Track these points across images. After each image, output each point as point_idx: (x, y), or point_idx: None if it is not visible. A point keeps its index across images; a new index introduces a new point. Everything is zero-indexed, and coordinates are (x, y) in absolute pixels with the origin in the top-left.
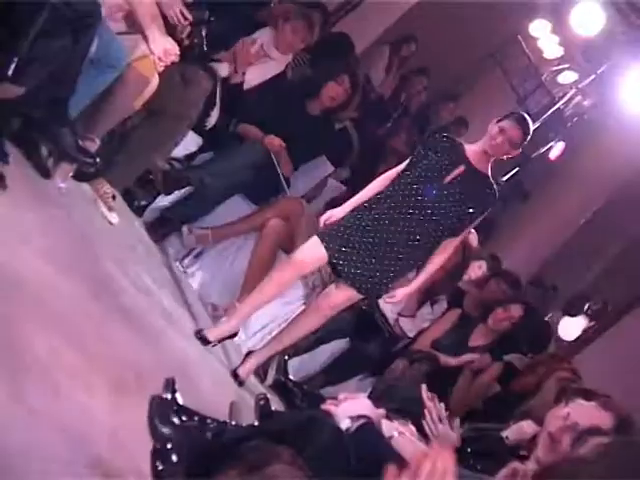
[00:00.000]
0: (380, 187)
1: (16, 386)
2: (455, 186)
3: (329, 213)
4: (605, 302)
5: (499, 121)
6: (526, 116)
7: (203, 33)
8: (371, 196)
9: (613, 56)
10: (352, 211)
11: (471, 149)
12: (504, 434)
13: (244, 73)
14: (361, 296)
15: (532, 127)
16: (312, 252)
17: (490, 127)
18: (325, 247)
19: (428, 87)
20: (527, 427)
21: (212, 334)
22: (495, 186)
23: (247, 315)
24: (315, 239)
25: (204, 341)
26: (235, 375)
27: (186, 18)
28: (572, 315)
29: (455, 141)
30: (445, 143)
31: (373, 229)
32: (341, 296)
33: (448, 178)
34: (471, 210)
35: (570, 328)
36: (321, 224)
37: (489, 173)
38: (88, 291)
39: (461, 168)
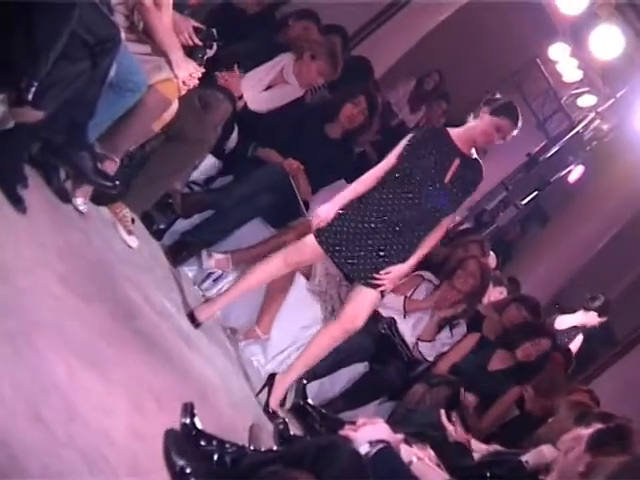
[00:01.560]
0: (368, 188)
1: (35, 409)
2: (455, 182)
3: (319, 214)
4: (606, 297)
5: (493, 113)
6: (517, 107)
7: (205, 57)
8: (361, 196)
9: (632, 79)
10: (343, 212)
11: (459, 137)
12: (524, 458)
13: (241, 97)
14: (372, 292)
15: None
16: (304, 244)
17: (483, 118)
18: (319, 242)
19: (447, 111)
20: (547, 451)
21: (202, 314)
22: (480, 162)
23: (234, 296)
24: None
25: (193, 320)
26: (266, 408)
27: (195, 42)
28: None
29: (442, 133)
30: (435, 139)
31: (368, 233)
32: (355, 301)
33: (447, 177)
34: (468, 193)
35: (566, 320)
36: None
37: (475, 155)
38: (107, 314)
39: (456, 162)
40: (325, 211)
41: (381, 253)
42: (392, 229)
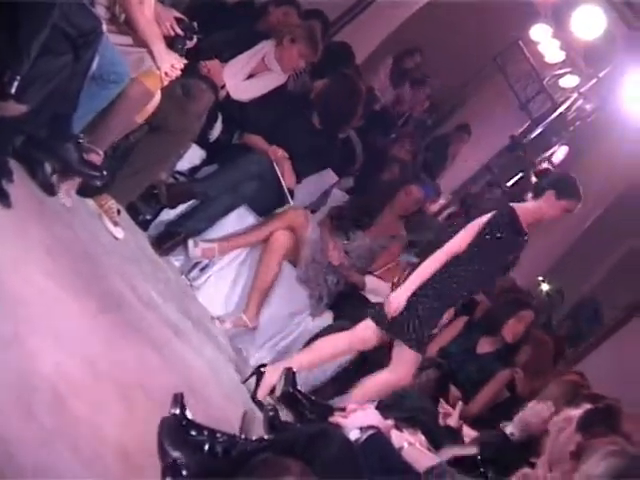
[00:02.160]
0: (434, 271)
1: (25, 405)
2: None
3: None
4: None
5: (561, 197)
6: (576, 180)
7: (186, 47)
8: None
9: (614, 59)
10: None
11: (525, 218)
12: (508, 431)
13: (223, 87)
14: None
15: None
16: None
17: (550, 201)
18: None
19: (431, 95)
20: (527, 414)
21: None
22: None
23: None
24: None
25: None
26: (254, 398)
27: (176, 32)
28: None
29: (515, 223)
30: (510, 233)
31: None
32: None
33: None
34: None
35: None
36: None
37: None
38: (94, 307)
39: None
40: (397, 299)
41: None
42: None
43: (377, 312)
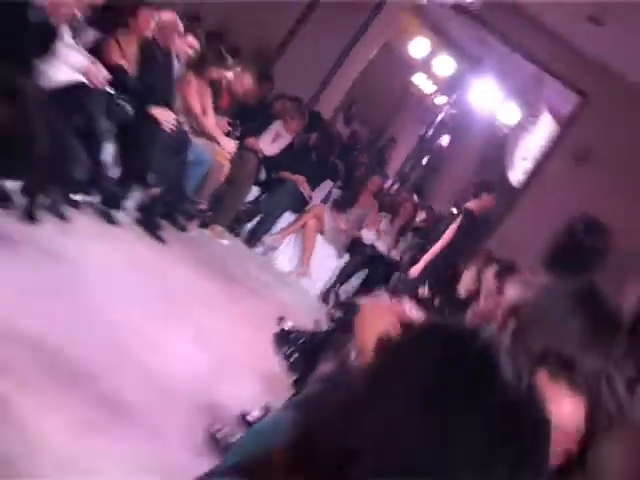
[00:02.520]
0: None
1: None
2: None
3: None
4: None
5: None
6: None
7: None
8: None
9: (465, 83)
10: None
11: (476, 209)
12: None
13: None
14: None
15: None
16: None
17: (484, 197)
18: None
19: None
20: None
21: None
22: None
23: None
24: None
25: None
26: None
27: (229, 128)
28: None
29: (474, 215)
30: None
31: None
32: None
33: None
34: None
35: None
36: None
37: None
38: (223, 282)
39: None
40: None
41: None
42: None
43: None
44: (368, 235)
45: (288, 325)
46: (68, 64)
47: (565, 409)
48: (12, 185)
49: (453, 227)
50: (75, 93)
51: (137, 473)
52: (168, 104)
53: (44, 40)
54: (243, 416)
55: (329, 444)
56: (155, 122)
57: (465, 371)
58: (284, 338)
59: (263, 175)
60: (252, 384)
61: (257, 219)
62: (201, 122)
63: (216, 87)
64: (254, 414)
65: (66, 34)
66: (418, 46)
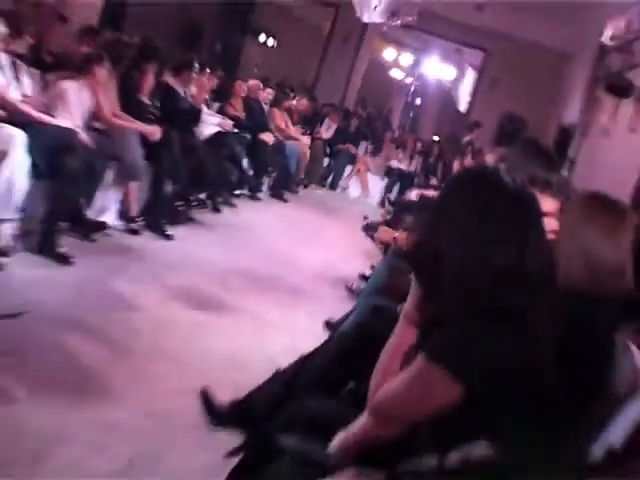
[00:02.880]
0: None
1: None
2: None
3: None
4: None
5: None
6: None
7: None
8: None
9: (420, 65)
10: None
11: None
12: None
13: None
14: None
15: None
16: None
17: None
18: None
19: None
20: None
21: None
22: None
23: None
24: None
25: None
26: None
27: None
28: None
29: None
30: None
31: None
32: None
33: None
34: None
35: None
36: None
37: None
38: (326, 211)
39: None
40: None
41: None
42: None
43: None
44: (393, 163)
45: (369, 219)
46: (209, 123)
47: (547, 206)
48: (203, 195)
49: None
50: (218, 137)
51: (313, 323)
52: (267, 129)
53: (195, 116)
54: (362, 275)
55: (422, 253)
56: (263, 141)
57: (485, 187)
58: (369, 226)
59: (328, 150)
60: (360, 260)
61: (332, 175)
62: (286, 133)
63: (289, 111)
64: (367, 273)
65: (204, 107)
66: (388, 53)
